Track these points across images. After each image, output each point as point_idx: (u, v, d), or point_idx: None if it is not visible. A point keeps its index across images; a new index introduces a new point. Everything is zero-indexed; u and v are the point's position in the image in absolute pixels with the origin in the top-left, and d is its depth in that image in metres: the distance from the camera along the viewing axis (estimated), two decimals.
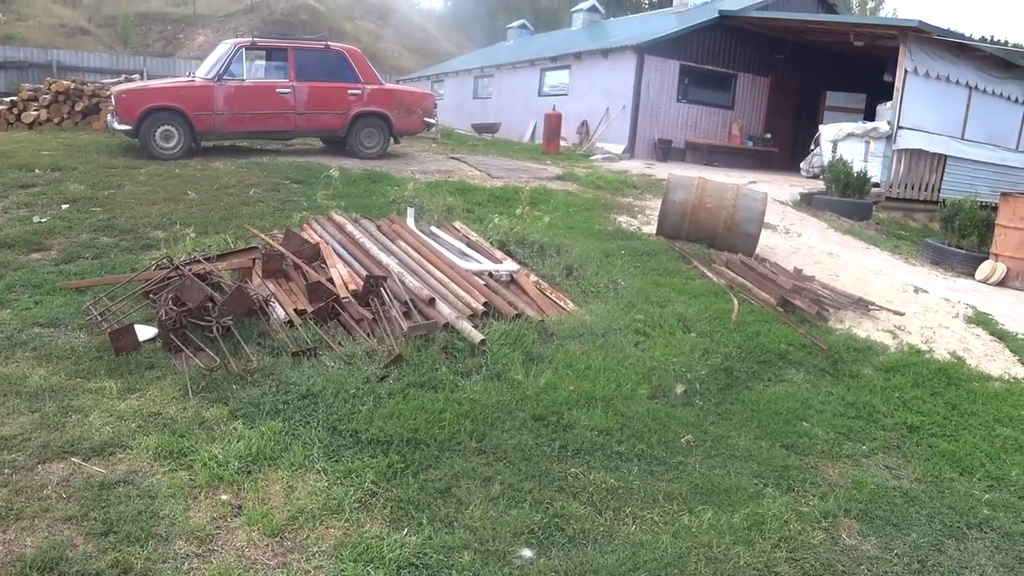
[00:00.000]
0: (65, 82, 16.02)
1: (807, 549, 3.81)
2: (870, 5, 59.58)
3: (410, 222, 7.97)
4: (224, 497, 3.65)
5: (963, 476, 4.82)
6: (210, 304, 5.22)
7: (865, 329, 7.15)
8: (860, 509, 4.25)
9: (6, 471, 3.66)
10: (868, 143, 14.88)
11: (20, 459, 3.77)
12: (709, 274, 7.98)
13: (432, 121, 13.85)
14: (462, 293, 6.09)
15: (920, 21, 14.01)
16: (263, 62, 12.37)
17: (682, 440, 4.74)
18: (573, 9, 32.70)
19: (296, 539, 3.42)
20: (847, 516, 4.19)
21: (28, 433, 4.01)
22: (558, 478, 4.14)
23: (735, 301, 7.12)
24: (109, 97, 14.03)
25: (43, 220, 7.75)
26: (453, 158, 14.13)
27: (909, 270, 9.80)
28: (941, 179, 14.87)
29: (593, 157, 17.57)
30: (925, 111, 14.59)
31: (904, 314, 7.64)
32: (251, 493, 3.70)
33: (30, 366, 4.81)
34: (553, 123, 17.99)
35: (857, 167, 13.49)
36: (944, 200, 12.93)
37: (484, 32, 47.92)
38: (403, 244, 7.08)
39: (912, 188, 14.62)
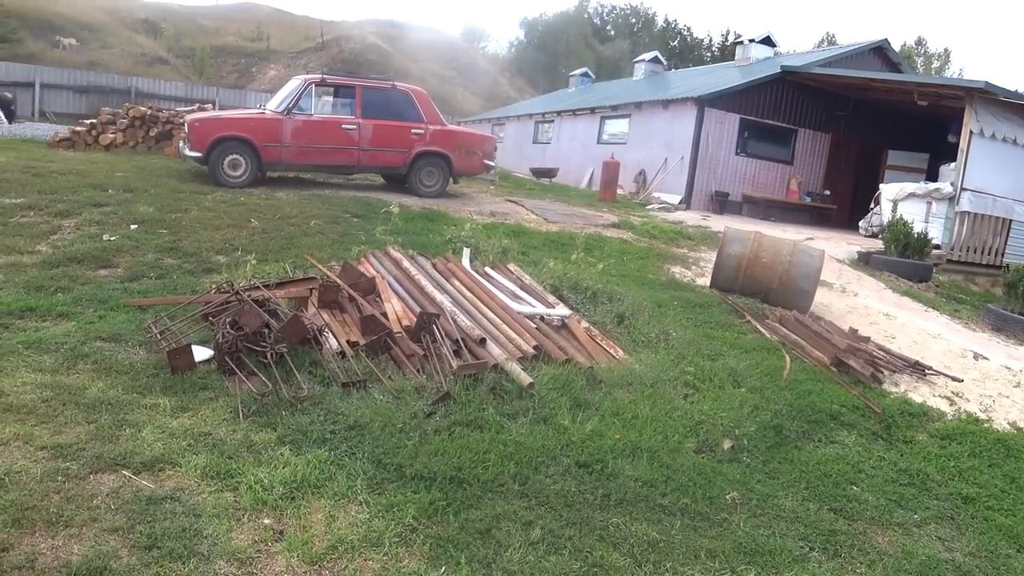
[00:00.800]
0: (142, 108, 16.66)
1: None
2: (935, 65, 59.06)
3: (465, 262, 8.05)
4: (267, 521, 3.68)
5: (1020, 553, 4.62)
6: (266, 330, 5.32)
7: (921, 394, 6.97)
8: None
9: (59, 478, 3.76)
10: (930, 204, 14.63)
11: (74, 468, 3.87)
12: (762, 329, 7.88)
13: (491, 163, 14.03)
14: (513, 335, 6.11)
15: (987, 82, 13.83)
16: (331, 98, 12.70)
17: (727, 497, 4.65)
18: (635, 60, 33.06)
19: (335, 569, 3.43)
20: None
21: (83, 443, 4.11)
22: (599, 527, 4.09)
23: (787, 358, 7.02)
24: (182, 124, 14.54)
25: (112, 238, 8.02)
26: (510, 201, 14.27)
27: (969, 335, 9.55)
28: (1005, 243, 14.53)
29: (649, 206, 17.59)
30: (990, 173, 14.31)
31: (963, 380, 7.43)
32: (293, 519, 3.73)
33: (90, 378, 4.95)
34: (611, 171, 18.08)
35: (918, 228, 13.26)
36: (1008, 265, 12.61)
37: (546, 79, 48.66)
38: (457, 283, 7.15)
39: (974, 251, 14.30)
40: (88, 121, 16.78)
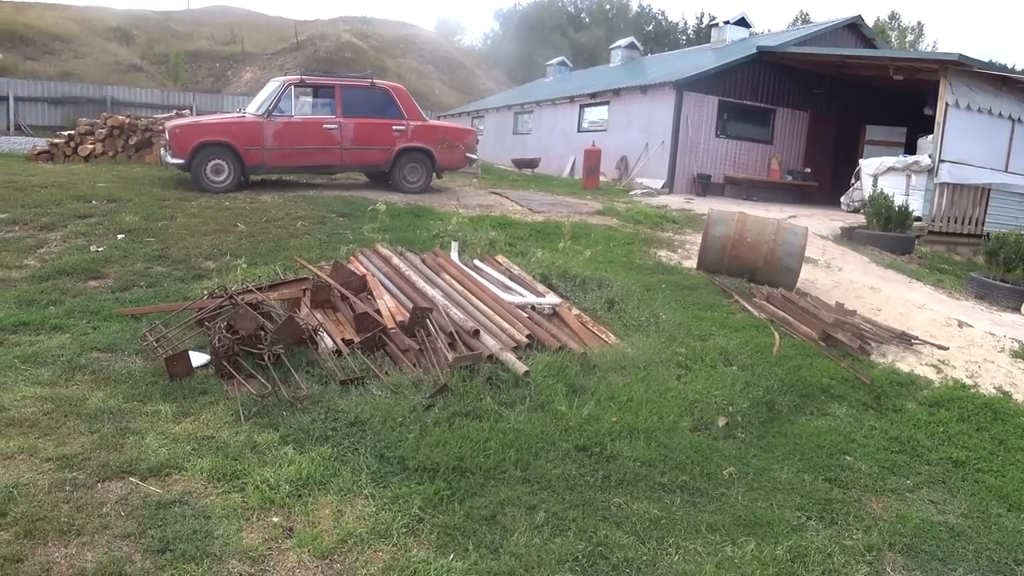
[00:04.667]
0: (120, 117, 16.56)
1: None
2: (909, 39, 59.35)
3: (454, 255, 8.10)
4: (275, 519, 3.74)
5: (1011, 512, 4.75)
6: (262, 332, 5.36)
7: (908, 363, 7.09)
8: (905, 544, 4.22)
9: (68, 488, 3.80)
10: (909, 177, 14.78)
11: (81, 477, 3.91)
12: (750, 308, 7.98)
13: (474, 157, 14.06)
14: (506, 325, 6.18)
15: (960, 55, 13.98)
16: (311, 99, 12.66)
17: (724, 472, 4.75)
18: (611, 46, 33.07)
19: (345, 562, 3.49)
20: (891, 550, 4.16)
21: (88, 453, 4.15)
22: (601, 508, 4.18)
23: (776, 335, 7.12)
24: (161, 132, 14.47)
25: (100, 249, 8.02)
26: (494, 193, 14.32)
27: (953, 304, 9.68)
28: (985, 212, 14.71)
29: (632, 192, 17.67)
30: (967, 144, 14.49)
31: (948, 348, 7.57)
32: (301, 516, 3.79)
33: (89, 389, 4.98)
34: (592, 159, 18.15)
35: (898, 201, 13.39)
36: (988, 233, 12.78)
37: (523, 69, 48.60)
38: (447, 277, 7.21)
39: (955, 222, 14.47)
40: (66, 133, 16.66)
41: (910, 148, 18.11)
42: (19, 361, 5.30)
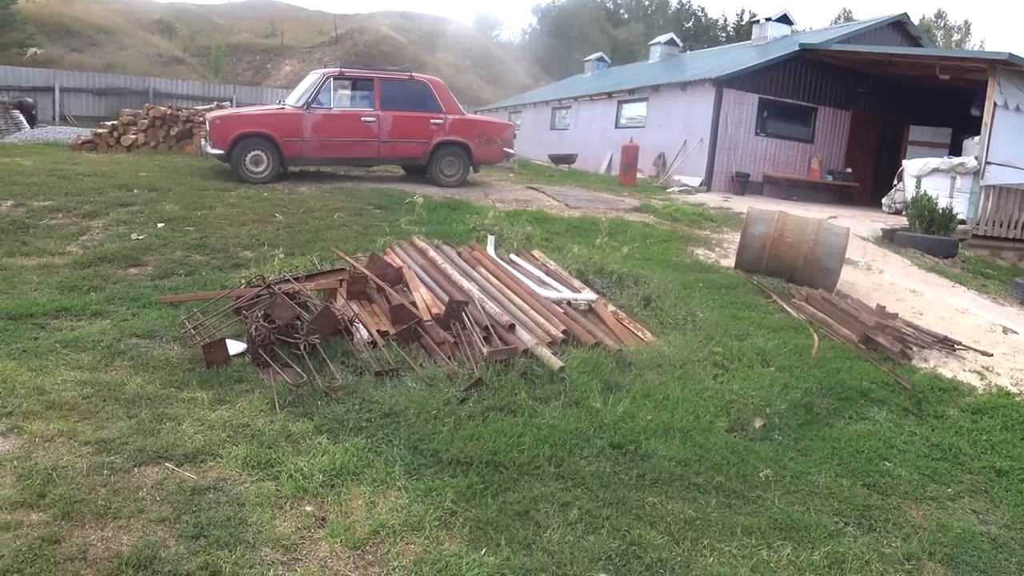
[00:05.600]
0: (162, 108, 16.81)
1: None
2: (955, 38, 58.20)
3: (490, 249, 8.08)
4: (309, 508, 3.75)
5: None
6: (298, 322, 5.38)
7: (951, 369, 6.93)
8: (945, 553, 4.11)
9: (105, 472, 3.84)
10: (954, 179, 14.48)
11: (118, 461, 3.95)
12: (788, 309, 7.86)
13: (511, 151, 14.02)
14: (541, 320, 6.14)
15: (1010, 54, 13.62)
16: (349, 91, 12.73)
17: (760, 474, 4.67)
18: (651, 43, 32.83)
19: (377, 553, 3.48)
20: (931, 560, 4.05)
21: (125, 437, 4.19)
22: (636, 506, 4.12)
23: (815, 336, 7.00)
24: (202, 122, 14.64)
25: (140, 237, 8.12)
26: (531, 188, 14.28)
27: (997, 310, 9.46)
28: None
29: (670, 189, 17.53)
30: (1015, 146, 14.12)
31: (992, 355, 7.39)
32: (334, 506, 3.79)
33: (128, 374, 5.03)
34: (630, 155, 18.02)
35: (942, 203, 13.11)
36: None
37: (561, 65, 48.42)
38: (483, 271, 7.18)
39: (1000, 226, 14.11)
40: (109, 123, 16.94)
41: (955, 150, 17.74)
42: (60, 345, 5.38)
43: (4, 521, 3.35)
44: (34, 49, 29.29)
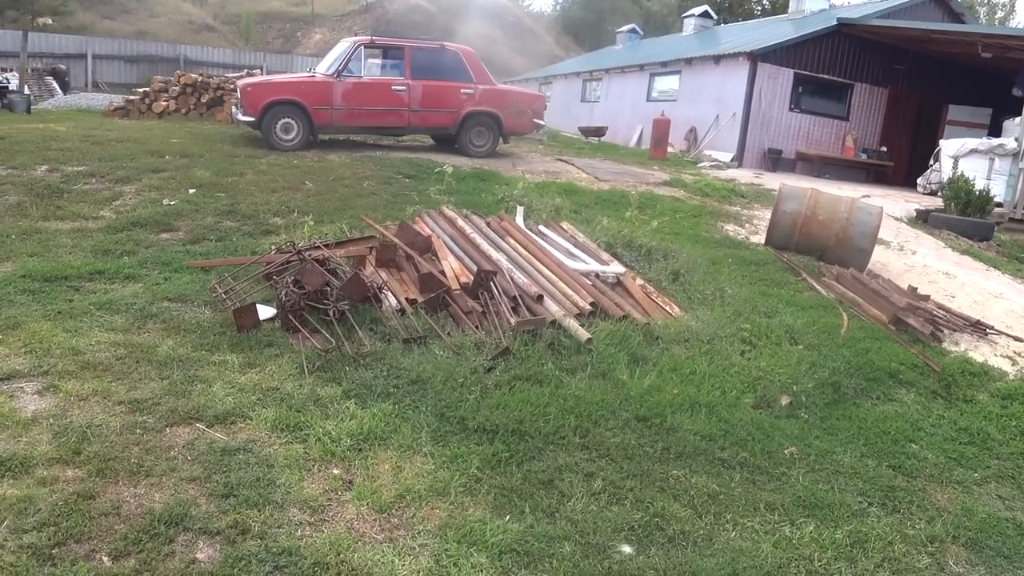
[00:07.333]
0: (193, 75, 16.89)
1: (911, 572, 3.68)
2: (999, 15, 56.72)
3: (519, 220, 8.06)
4: (336, 471, 3.79)
5: None
6: (327, 288, 5.42)
7: (982, 353, 6.83)
8: (969, 537, 4.07)
9: (138, 431, 3.91)
10: (992, 160, 14.18)
11: (151, 421, 4.02)
12: (818, 287, 7.78)
13: (541, 123, 13.94)
14: (569, 292, 6.13)
15: None
16: (380, 60, 12.68)
17: (785, 452, 4.65)
18: (684, 15, 32.35)
19: (403, 517, 3.52)
20: (955, 543, 4.01)
21: (158, 398, 4.26)
22: (660, 479, 4.13)
23: (845, 316, 6.93)
24: (232, 90, 14.70)
25: (172, 203, 8.20)
26: (560, 160, 14.20)
27: None
28: None
29: (700, 164, 17.35)
30: None
31: None
32: (361, 470, 3.83)
33: (160, 337, 5.10)
34: (661, 129, 17.84)
35: (979, 185, 12.83)
36: None
37: (593, 36, 47.85)
38: (512, 241, 7.17)
39: None
40: (141, 90, 17.07)
41: (994, 131, 17.37)
42: (94, 308, 5.46)
43: (41, 476, 3.43)
44: (45, 19, 29.42)
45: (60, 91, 20.46)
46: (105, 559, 2.98)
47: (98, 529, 3.14)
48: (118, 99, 17.18)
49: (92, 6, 33.28)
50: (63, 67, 22.83)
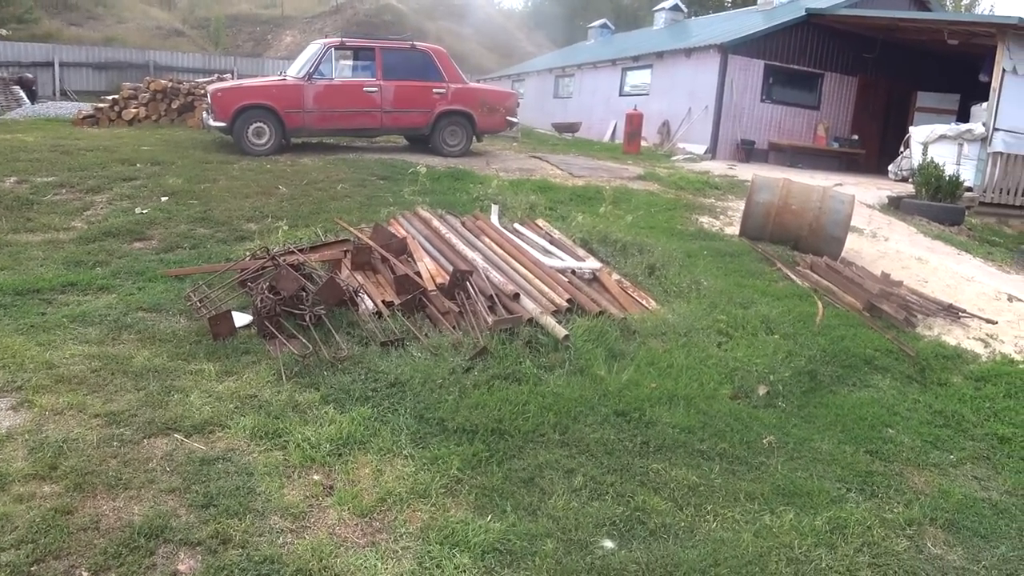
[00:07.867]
0: (163, 81, 16.72)
1: (890, 555, 3.74)
2: (964, 2, 57.34)
3: (494, 219, 8.07)
4: (316, 477, 3.79)
5: None
6: (303, 293, 5.40)
7: (955, 337, 6.93)
8: (946, 519, 4.14)
9: (115, 444, 3.88)
10: (961, 145, 14.36)
11: (127, 433, 3.99)
12: (793, 277, 7.85)
13: (514, 120, 13.94)
14: (546, 289, 6.15)
15: (1020, 18, 13.44)
16: (351, 62, 12.62)
17: (764, 441, 4.70)
18: (655, 8, 32.41)
19: (384, 520, 3.53)
20: (932, 525, 4.08)
21: (134, 409, 4.24)
22: (640, 473, 4.16)
23: (819, 304, 7.00)
24: (203, 96, 14.57)
25: (144, 211, 8.13)
26: (534, 157, 14.22)
27: (1003, 278, 9.44)
28: None
29: (674, 157, 17.43)
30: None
31: (997, 322, 7.38)
32: (342, 475, 3.84)
33: (135, 347, 5.07)
34: (634, 123, 17.91)
35: (949, 170, 13.00)
36: None
37: (564, 32, 47.83)
38: (487, 240, 7.19)
39: (1008, 193, 13.97)
40: (110, 97, 16.86)
41: (963, 116, 17.57)
42: (67, 320, 5.41)
43: (17, 493, 3.40)
44: (2, 29, 28.94)
45: (28, 100, 20.14)
46: (85, 574, 2.97)
47: (77, 544, 3.11)
48: (87, 107, 16.97)
49: (58, 13, 32.87)
50: (30, 76, 22.49)
